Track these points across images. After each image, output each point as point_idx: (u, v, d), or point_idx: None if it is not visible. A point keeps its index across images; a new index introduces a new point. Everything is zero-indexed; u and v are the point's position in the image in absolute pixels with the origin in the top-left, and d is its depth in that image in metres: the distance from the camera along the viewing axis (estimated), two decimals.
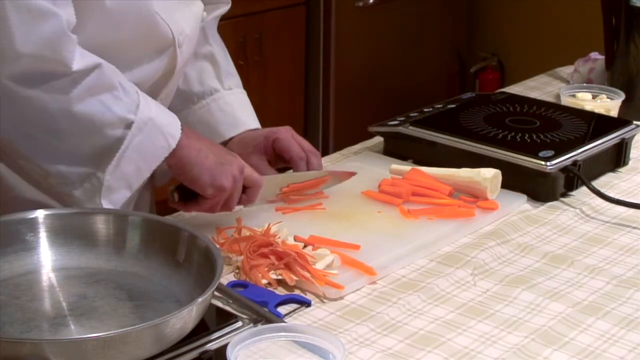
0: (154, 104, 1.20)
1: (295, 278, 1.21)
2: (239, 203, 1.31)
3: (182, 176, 1.24)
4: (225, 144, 1.49)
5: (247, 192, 1.31)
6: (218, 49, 1.52)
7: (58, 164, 1.16)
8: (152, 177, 1.42)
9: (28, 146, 1.14)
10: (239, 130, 1.49)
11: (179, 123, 1.21)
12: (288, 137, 1.45)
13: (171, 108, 1.50)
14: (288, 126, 1.49)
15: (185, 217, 1.40)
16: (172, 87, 1.36)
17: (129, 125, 1.15)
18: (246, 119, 1.50)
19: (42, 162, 1.16)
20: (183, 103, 1.49)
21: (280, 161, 1.47)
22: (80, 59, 1.11)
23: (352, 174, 1.49)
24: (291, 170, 1.46)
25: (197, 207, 1.28)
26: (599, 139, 1.60)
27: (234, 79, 1.53)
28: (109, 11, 1.17)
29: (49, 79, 1.09)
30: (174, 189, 1.28)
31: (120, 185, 1.18)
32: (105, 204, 1.18)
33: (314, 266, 1.22)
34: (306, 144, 1.47)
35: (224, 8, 1.52)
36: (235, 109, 1.50)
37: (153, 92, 1.31)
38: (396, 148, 1.65)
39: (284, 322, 1.12)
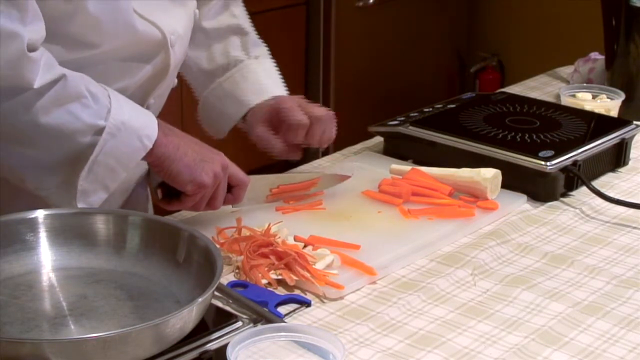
0: (129, 106, 1.20)
1: (295, 278, 1.21)
2: (226, 203, 1.31)
3: (161, 173, 1.24)
4: (246, 116, 1.47)
5: (233, 192, 1.31)
6: (244, 20, 1.52)
7: (32, 171, 1.17)
8: (148, 175, 1.43)
9: (1, 155, 1.15)
10: (264, 97, 1.47)
11: (155, 123, 1.21)
12: (291, 105, 1.43)
13: (199, 87, 1.50)
14: (298, 95, 1.47)
15: (185, 217, 1.40)
16: (166, 86, 1.36)
17: (99, 131, 1.15)
18: (270, 86, 1.49)
19: (16, 169, 1.17)
20: (210, 79, 1.49)
21: (287, 129, 1.44)
22: (42, 75, 1.11)
23: (347, 177, 1.48)
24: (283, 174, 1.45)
25: (180, 204, 1.28)
26: (599, 139, 1.60)
27: (261, 48, 1.53)
28: (95, 16, 1.17)
29: (12, 95, 1.10)
30: (158, 185, 1.28)
31: (96, 187, 1.18)
32: (82, 206, 1.18)
33: (314, 266, 1.22)
34: (315, 109, 1.44)
35: None
36: (260, 76, 1.49)
37: (146, 92, 1.31)
38: (396, 148, 1.65)
39: (284, 322, 1.12)
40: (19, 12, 1.08)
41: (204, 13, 1.46)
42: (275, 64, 1.54)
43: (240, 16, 1.52)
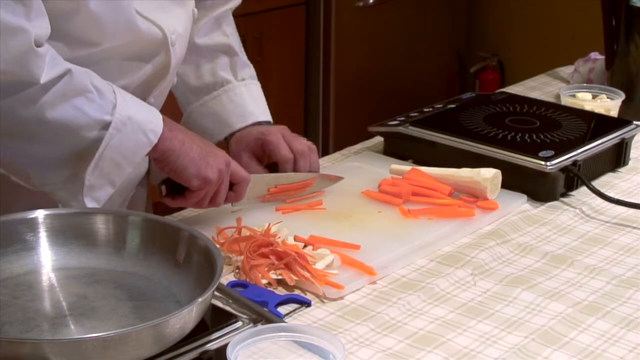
0: (134, 101, 1.20)
1: (295, 278, 1.21)
2: (226, 201, 1.32)
3: (166, 168, 1.24)
4: (228, 139, 1.49)
5: (234, 189, 1.32)
6: (235, 39, 1.53)
7: (38, 167, 1.17)
8: (148, 173, 1.43)
9: (6, 151, 1.15)
10: (248, 122, 1.49)
11: (160, 118, 1.21)
12: (276, 139, 1.45)
13: (183, 101, 1.52)
14: (282, 126, 1.49)
15: (185, 217, 1.40)
16: (167, 86, 1.36)
17: (105, 126, 1.15)
18: (255, 110, 1.50)
19: (22, 165, 1.17)
20: (195, 96, 1.51)
21: (270, 161, 1.47)
22: (48, 70, 1.11)
23: (340, 178, 1.49)
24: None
25: (184, 201, 1.28)
26: (599, 139, 1.60)
27: (248, 70, 1.54)
28: (96, 15, 1.17)
29: (18, 90, 1.10)
30: (162, 182, 1.28)
31: (102, 183, 1.18)
32: (88, 202, 1.18)
33: (314, 266, 1.22)
34: (297, 144, 1.45)
35: (236, 0, 1.52)
36: (246, 100, 1.50)
37: (146, 90, 1.31)
38: (396, 148, 1.65)
39: (284, 322, 1.12)
40: (24, 8, 1.09)
41: (196, 29, 1.46)
42: (260, 87, 1.55)
43: (231, 36, 1.52)
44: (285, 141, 1.45)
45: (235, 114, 1.49)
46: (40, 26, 1.11)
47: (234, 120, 1.49)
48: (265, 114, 1.52)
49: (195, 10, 1.39)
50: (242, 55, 1.54)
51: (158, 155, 1.22)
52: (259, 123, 1.50)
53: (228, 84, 1.50)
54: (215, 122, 1.49)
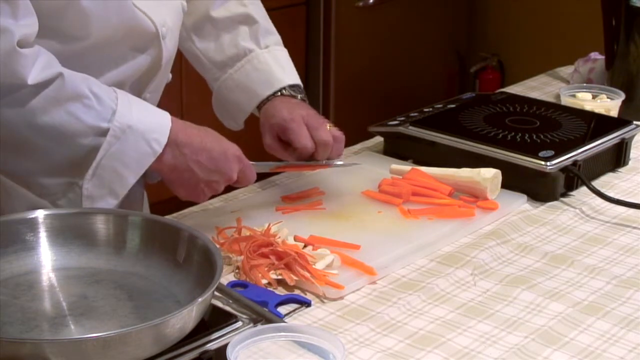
0: (140, 108, 1.19)
1: (295, 278, 1.21)
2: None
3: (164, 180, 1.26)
4: (260, 107, 1.46)
5: (234, 183, 1.31)
6: (255, 9, 1.50)
7: (36, 176, 1.16)
8: (144, 173, 1.42)
9: (5, 161, 1.14)
10: (275, 88, 1.45)
11: (167, 127, 1.19)
12: (297, 126, 1.39)
13: (211, 78, 1.49)
14: (309, 111, 1.43)
15: (185, 217, 1.40)
16: (160, 81, 1.35)
17: (102, 133, 1.14)
18: (282, 76, 1.47)
19: (20, 174, 1.16)
20: (220, 70, 1.48)
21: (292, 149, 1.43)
22: (37, 72, 1.10)
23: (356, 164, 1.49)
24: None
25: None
26: (599, 139, 1.60)
27: (272, 37, 1.50)
28: (87, 10, 1.16)
29: (6, 92, 1.09)
30: None
31: (103, 193, 1.17)
32: None
33: (314, 266, 1.22)
34: (322, 132, 1.39)
35: None
36: (271, 67, 1.47)
37: (139, 87, 1.30)
38: (396, 148, 1.65)
39: (284, 322, 1.12)
40: (10, 8, 1.08)
41: (212, 2, 1.45)
42: (286, 52, 1.51)
43: (250, 4, 1.49)
44: (309, 128, 1.39)
45: (261, 82, 1.45)
46: (27, 25, 1.10)
47: (260, 88, 1.45)
48: (292, 77, 1.48)
49: (185, 4, 1.37)
50: (265, 23, 1.50)
51: (157, 170, 1.22)
52: (289, 89, 1.46)
53: (251, 53, 1.47)
54: (242, 93, 1.46)
